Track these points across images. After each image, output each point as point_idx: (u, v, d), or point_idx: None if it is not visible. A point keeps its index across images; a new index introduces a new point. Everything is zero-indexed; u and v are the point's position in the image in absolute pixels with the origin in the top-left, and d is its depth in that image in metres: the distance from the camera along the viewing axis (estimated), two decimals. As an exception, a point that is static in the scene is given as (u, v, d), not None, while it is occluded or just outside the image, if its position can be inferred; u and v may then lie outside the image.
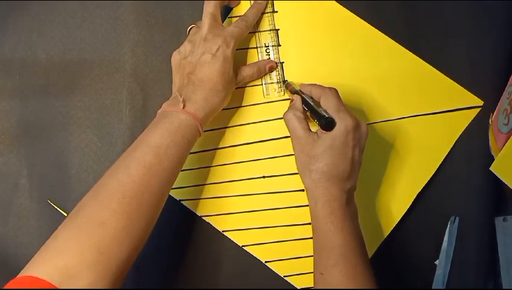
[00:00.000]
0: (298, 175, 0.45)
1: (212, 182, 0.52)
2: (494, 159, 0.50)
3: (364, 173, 0.46)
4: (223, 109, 0.48)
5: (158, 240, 0.49)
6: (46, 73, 0.52)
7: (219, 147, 0.52)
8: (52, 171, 0.52)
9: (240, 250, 0.52)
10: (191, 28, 0.48)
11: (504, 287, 0.52)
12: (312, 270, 0.44)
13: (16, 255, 0.51)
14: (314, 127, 0.44)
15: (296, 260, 0.52)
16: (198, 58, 0.45)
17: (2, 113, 0.52)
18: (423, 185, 0.52)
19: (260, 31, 0.52)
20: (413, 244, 0.53)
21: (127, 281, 0.38)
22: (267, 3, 0.51)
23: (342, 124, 0.42)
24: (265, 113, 0.52)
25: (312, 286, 0.45)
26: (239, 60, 0.51)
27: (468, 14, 0.53)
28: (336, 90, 0.45)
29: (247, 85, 0.52)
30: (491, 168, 0.50)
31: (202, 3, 0.47)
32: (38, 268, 0.34)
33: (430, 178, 0.53)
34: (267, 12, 0.51)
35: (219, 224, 0.52)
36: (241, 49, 0.51)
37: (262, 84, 0.52)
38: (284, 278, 0.52)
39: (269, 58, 0.52)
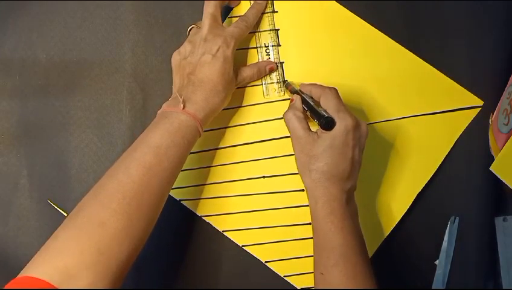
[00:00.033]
0: (298, 175, 0.45)
1: (212, 182, 0.52)
2: (494, 159, 0.50)
3: (364, 173, 0.46)
4: (223, 109, 0.48)
5: (158, 240, 0.49)
6: (46, 73, 0.52)
7: (219, 147, 0.52)
8: (52, 171, 0.52)
9: (239, 250, 0.52)
10: (191, 29, 0.48)
11: (504, 287, 0.52)
12: (312, 270, 0.44)
13: (16, 255, 0.51)
14: (314, 126, 0.44)
15: (296, 260, 0.52)
16: (199, 58, 0.45)
17: (2, 113, 0.52)
18: (423, 185, 0.52)
19: (260, 31, 0.52)
20: (413, 244, 0.53)
21: (127, 281, 0.38)
22: (267, 3, 0.51)
23: (342, 123, 0.42)
24: (265, 113, 0.52)
25: (312, 286, 0.45)
26: (239, 60, 0.51)
27: (468, 14, 0.53)
28: (335, 90, 0.45)
29: (247, 85, 0.52)
30: (491, 168, 0.50)
31: (202, 3, 0.47)
32: (38, 268, 0.34)
33: (430, 178, 0.53)
34: (267, 12, 0.51)
35: (219, 224, 0.52)
36: (241, 49, 0.51)
37: (262, 84, 0.52)
38: (284, 278, 0.52)
39: (269, 58, 0.52)
